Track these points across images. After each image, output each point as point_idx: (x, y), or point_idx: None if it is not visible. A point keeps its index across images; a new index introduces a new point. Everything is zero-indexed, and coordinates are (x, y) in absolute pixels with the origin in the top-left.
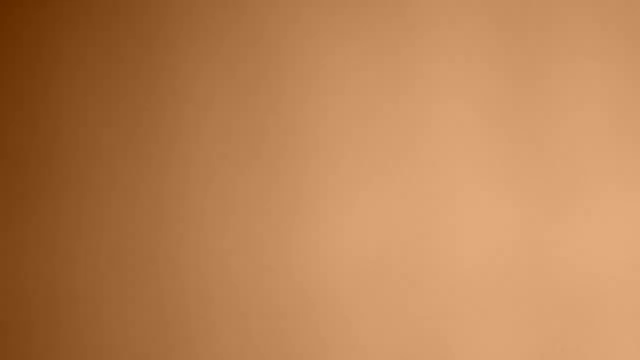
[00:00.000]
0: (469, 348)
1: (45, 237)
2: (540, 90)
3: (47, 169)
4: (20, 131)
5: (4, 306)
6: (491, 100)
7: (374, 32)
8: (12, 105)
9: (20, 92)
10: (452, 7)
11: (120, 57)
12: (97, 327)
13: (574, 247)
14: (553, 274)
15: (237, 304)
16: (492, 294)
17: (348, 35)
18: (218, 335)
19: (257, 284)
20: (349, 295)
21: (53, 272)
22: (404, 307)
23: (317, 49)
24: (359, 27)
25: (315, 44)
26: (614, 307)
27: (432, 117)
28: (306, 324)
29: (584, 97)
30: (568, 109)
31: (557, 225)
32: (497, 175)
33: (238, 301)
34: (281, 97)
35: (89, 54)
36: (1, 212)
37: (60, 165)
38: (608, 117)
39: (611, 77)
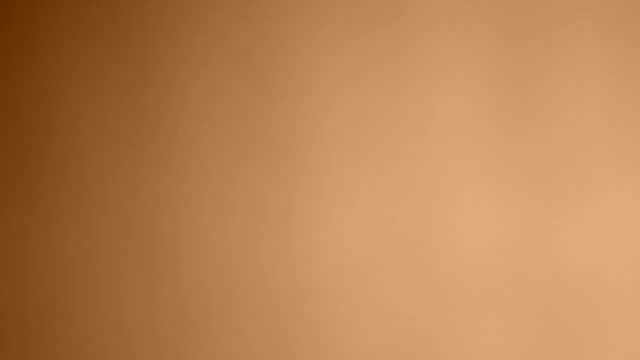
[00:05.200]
0: (467, 347)
1: (43, 234)
2: (541, 89)
3: (45, 165)
4: (18, 127)
5: (2, 301)
6: (491, 100)
7: (373, 31)
8: (11, 101)
9: (19, 87)
10: (453, 7)
11: (119, 53)
12: (93, 324)
13: (573, 245)
14: (552, 272)
15: (235, 303)
16: (491, 293)
17: (347, 35)
18: (216, 333)
19: (255, 282)
20: (347, 293)
21: (52, 269)
22: (403, 306)
23: (317, 48)
24: (359, 26)
25: (314, 43)
26: (613, 306)
27: (431, 116)
28: (304, 322)
29: (584, 97)
30: (568, 109)
31: (556, 224)
32: (497, 174)
33: (235, 300)
34: (279, 96)
35: (88, 51)
36: None
37: (58, 162)
38: (608, 117)
39: (611, 76)
